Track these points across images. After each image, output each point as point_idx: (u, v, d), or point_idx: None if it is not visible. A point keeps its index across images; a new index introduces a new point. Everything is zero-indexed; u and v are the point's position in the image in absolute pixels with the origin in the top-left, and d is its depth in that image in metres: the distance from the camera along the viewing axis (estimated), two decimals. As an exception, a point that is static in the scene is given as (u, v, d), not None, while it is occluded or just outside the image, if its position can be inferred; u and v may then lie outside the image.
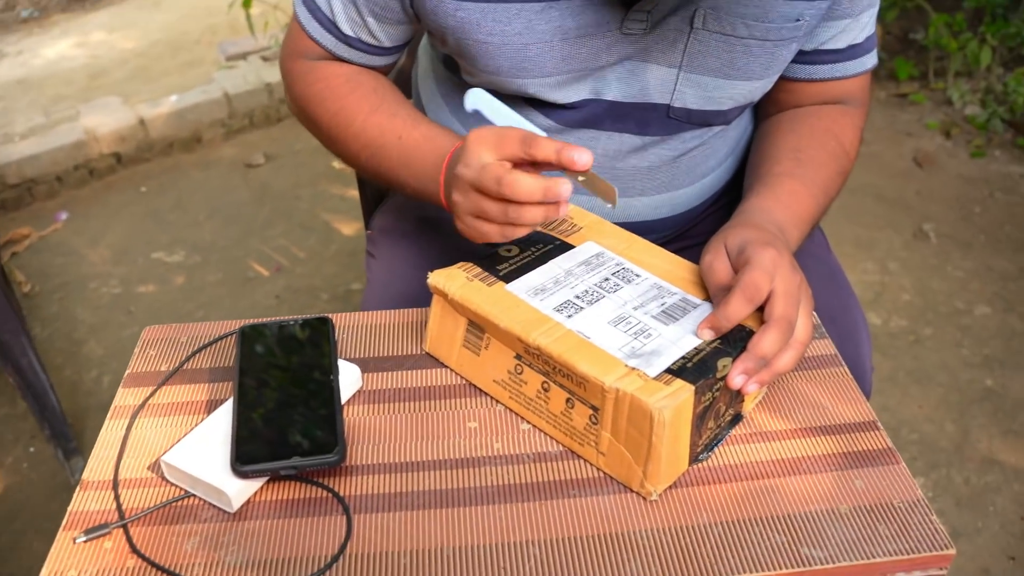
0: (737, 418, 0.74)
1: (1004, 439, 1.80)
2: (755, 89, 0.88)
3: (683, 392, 0.65)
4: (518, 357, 0.72)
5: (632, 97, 0.88)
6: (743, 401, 0.74)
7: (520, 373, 0.73)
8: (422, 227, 1.02)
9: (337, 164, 2.71)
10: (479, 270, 0.77)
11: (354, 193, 2.61)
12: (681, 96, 0.88)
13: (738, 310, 0.69)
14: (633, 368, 0.67)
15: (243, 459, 0.63)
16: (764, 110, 1.00)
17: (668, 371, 0.67)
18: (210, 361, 0.79)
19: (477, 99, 0.76)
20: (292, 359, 0.74)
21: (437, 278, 0.76)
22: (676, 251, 0.89)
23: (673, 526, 0.65)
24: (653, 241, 0.84)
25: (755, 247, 0.72)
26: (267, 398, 0.69)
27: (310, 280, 2.26)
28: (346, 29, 0.89)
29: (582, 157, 0.67)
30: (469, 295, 0.74)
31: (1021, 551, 1.58)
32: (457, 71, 0.93)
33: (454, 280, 0.75)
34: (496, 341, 0.74)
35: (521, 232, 0.72)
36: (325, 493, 0.66)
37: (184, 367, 0.79)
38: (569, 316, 0.72)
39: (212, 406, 0.74)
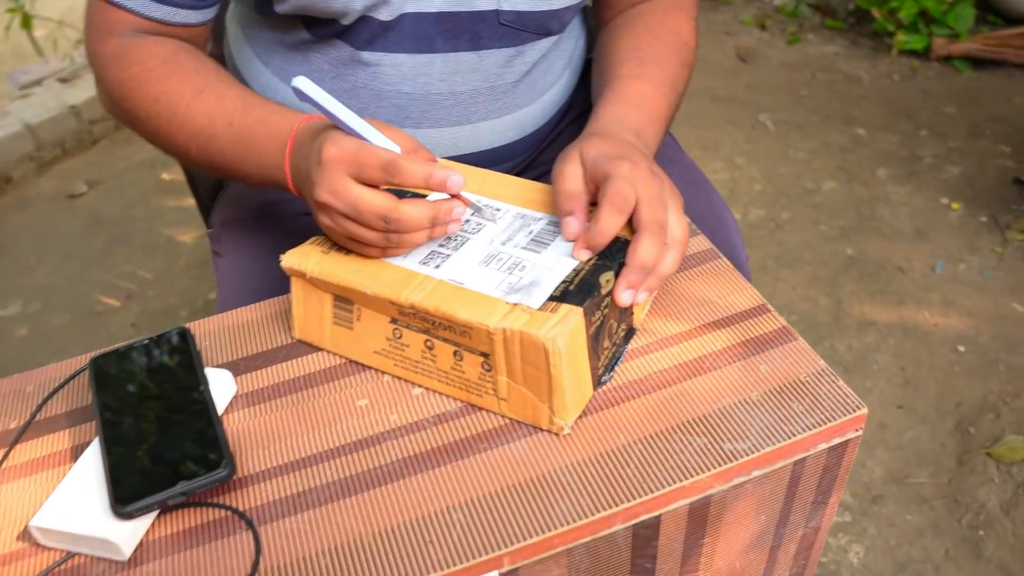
0: (631, 332, 0.72)
1: (873, 300, 1.88)
2: None
3: (572, 316, 0.62)
4: (394, 321, 0.68)
5: (458, 5, 0.83)
6: (633, 313, 0.72)
7: (400, 337, 0.68)
8: (264, 212, 0.96)
9: (167, 175, 2.56)
10: (332, 242, 0.72)
11: (191, 201, 2.46)
12: None
13: (610, 223, 0.66)
14: (515, 304, 0.64)
15: (123, 498, 0.57)
16: (600, 16, 0.98)
17: (551, 299, 0.64)
18: (65, 405, 0.71)
19: (303, 85, 0.68)
20: (155, 380, 0.67)
21: (291, 259, 0.70)
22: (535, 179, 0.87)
23: (593, 455, 0.63)
24: (505, 170, 0.81)
25: (610, 161, 0.69)
26: (136, 428, 0.62)
27: (165, 300, 2.13)
28: None
29: (454, 180, 0.66)
30: (329, 269, 0.69)
31: (906, 398, 1.66)
32: (270, 13, 0.86)
33: (309, 257, 0.70)
34: (368, 310, 0.69)
35: (403, 252, 0.70)
36: (224, 513, 0.60)
37: (37, 418, 0.70)
38: (437, 267, 0.68)
39: (78, 452, 0.66)
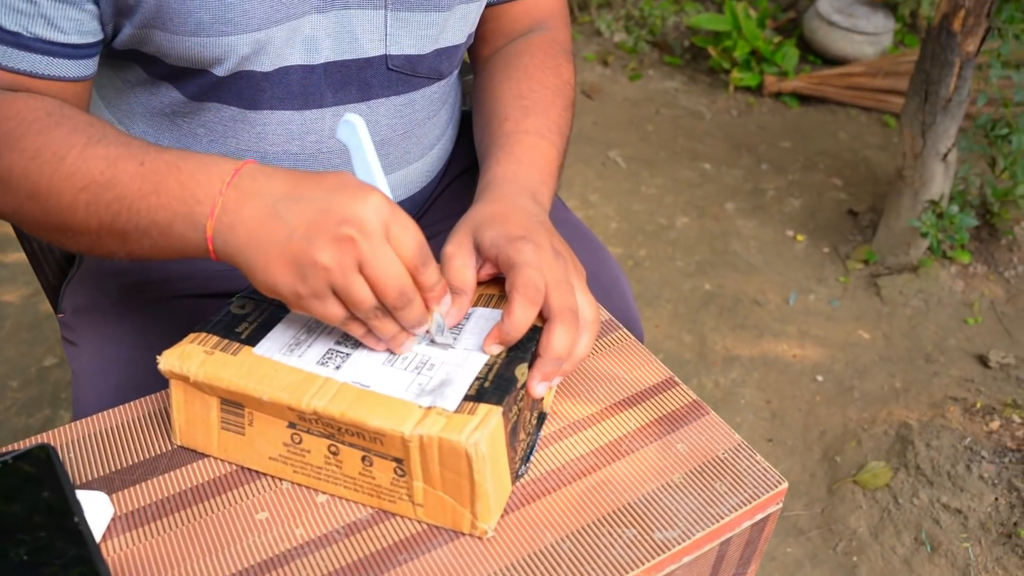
0: (542, 418, 0.69)
1: (735, 335, 1.94)
2: (469, 12, 0.83)
3: (492, 416, 0.58)
4: (292, 425, 0.62)
5: (346, 53, 0.78)
6: (543, 399, 0.69)
7: (299, 443, 0.62)
8: (127, 296, 0.86)
9: (-15, 228, 2.33)
10: (216, 338, 0.65)
11: (14, 257, 2.26)
12: (396, 41, 0.79)
13: (524, 317, 0.63)
14: (429, 407, 0.59)
15: (-14, 673, 0.48)
16: (476, 53, 0.95)
17: (467, 398, 0.60)
18: None
19: (353, 129, 0.63)
20: (13, 512, 0.58)
21: (171, 360, 0.63)
22: None
23: (521, 557, 0.59)
24: None
25: (511, 245, 0.66)
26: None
27: (-10, 369, 1.93)
28: (10, 23, 0.66)
29: (447, 304, 0.64)
30: (215, 372, 0.62)
31: (775, 431, 1.71)
32: (130, 72, 0.77)
33: (191, 359, 0.63)
34: (261, 415, 0.63)
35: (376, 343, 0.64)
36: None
37: None
38: (337, 367, 0.63)
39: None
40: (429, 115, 0.88)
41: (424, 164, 0.91)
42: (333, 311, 0.60)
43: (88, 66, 0.72)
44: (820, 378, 1.83)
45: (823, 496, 1.57)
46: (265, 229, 0.59)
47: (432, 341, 0.65)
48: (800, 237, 2.24)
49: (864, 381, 1.82)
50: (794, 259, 2.17)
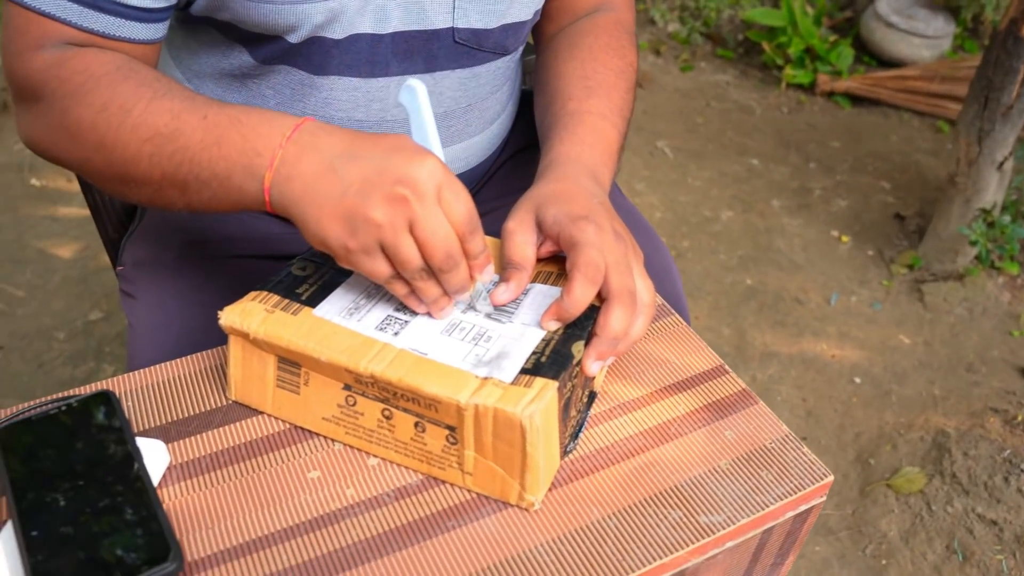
0: (592, 397, 0.69)
1: (774, 331, 1.93)
2: None
3: (547, 391, 0.59)
4: (348, 388, 0.63)
5: (414, 24, 0.79)
6: (594, 378, 0.69)
7: (353, 404, 0.63)
8: (189, 254, 0.88)
9: (36, 181, 2.38)
10: (277, 298, 0.66)
11: (66, 211, 2.30)
12: (464, 14, 0.80)
13: (583, 295, 0.63)
14: (486, 378, 0.60)
15: (50, 603, 0.50)
16: (541, 31, 0.95)
17: (524, 371, 0.61)
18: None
19: (414, 94, 0.65)
20: (77, 453, 0.59)
21: (232, 316, 0.64)
22: None
23: (568, 531, 0.59)
24: None
25: (574, 224, 0.66)
26: (60, 512, 0.55)
27: (38, 320, 1.97)
28: None
29: (490, 273, 0.66)
30: (275, 331, 0.63)
31: (809, 430, 1.70)
32: (203, 31, 0.78)
33: (252, 316, 0.64)
34: (317, 375, 0.64)
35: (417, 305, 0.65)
36: (162, 607, 0.53)
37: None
38: (396, 334, 0.63)
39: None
40: (492, 90, 0.89)
41: (484, 139, 0.92)
42: (380, 268, 0.61)
43: (159, 30, 0.73)
44: (858, 380, 1.81)
45: (855, 497, 1.56)
46: (321, 183, 0.61)
47: (471, 307, 0.66)
48: (845, 238, 2.22)
49: (902, 386, 1.80)
50: (837, 260, 2.15)
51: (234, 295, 0.67)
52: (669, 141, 2.56)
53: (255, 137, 0.63)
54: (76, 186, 2.39)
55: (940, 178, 2.42)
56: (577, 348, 0.63)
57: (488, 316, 0.66)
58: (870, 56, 3.00)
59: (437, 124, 0.85)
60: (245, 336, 0.64)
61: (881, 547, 1.48)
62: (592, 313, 0.66)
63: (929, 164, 2.53)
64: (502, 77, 0.90)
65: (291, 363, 0.64)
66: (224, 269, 0.86)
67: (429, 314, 0.65)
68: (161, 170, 0.66)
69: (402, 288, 0.63)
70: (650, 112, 2.70)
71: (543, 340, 0.64)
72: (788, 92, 2.86)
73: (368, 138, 0.62)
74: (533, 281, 0.70)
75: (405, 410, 0.61)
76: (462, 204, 0.61)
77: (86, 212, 2.32)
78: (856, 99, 2.82)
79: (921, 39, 2.85)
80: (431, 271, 0.62)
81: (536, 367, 0.61)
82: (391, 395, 0.61)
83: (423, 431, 0.61)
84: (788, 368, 1.83)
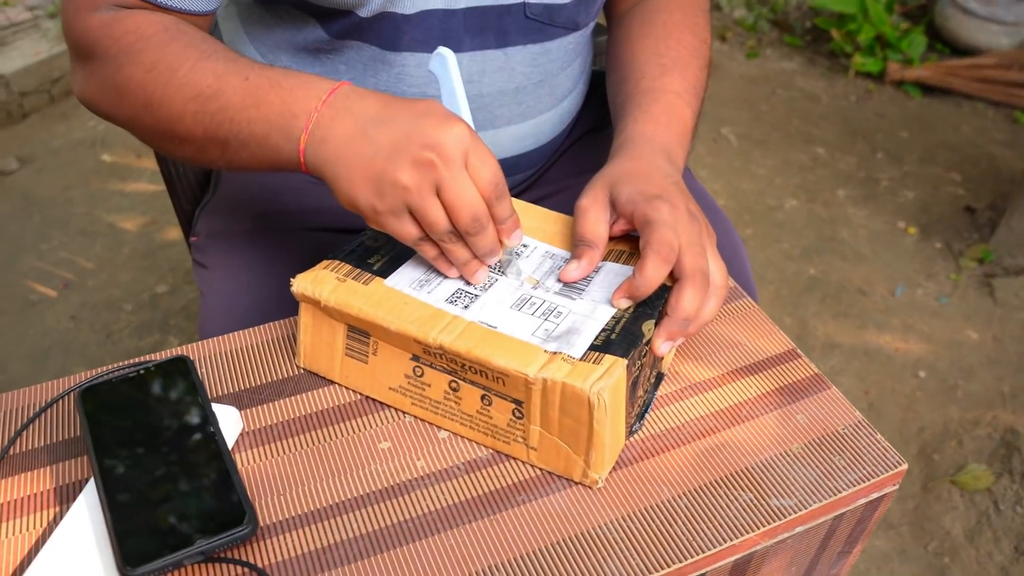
0: (659, 378, 0.69)
1: (836, 322, 1.89)
2: None
3: (616, 368, 0.59)
4: (415, 358, 0.63)
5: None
6: (663, 359, 0.69)
7: (421, 376, 0.63)
8: (262, 225, 0.89)
9: (108, 156, 2.43)
10: (349, 267, 0.66)
11: (136, 187, 2.36)
12: None
13: (656, 274, 0.63)
14: (554, 352, 0.60)
15: (133, 559, 0.51)
16: (614, 8, 0.94)
17: (593, 348, 0.60)
18: (43, 437, 0.64)
19: (444, 62, 0.67)
20: (155, 415, 0.61)
21: (304, 284, 0.65)
22: (538, 201, 0.83)
23: (637, 510, 0.59)
24: (516, 184, 0.76)
25: (648, 203, 0.66)
26: (139, 472, 0.56)
27: (107, 292, 2.02)
28: None
29: (519, 236, 0.66)
30: (346, 299, 0.63)
31: (871, 422, 1.66)
32: (277, 8, 0.79)
33: (324, 284, 0.65)
34: (386, 344, 0.64)
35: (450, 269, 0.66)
36: (240, 571, 0.54)
37: (10, 451, 0.64)
38: (466, 307, 0.64)
39: (64, 496, 0.60)
40: (563, 66, 0.88)
41: (554, 115, 0.91)
42: (408, 229, 0.63)
43: (212, 2, 0.75)
44: (922, 374, 1.77)
45: (917, 493, 1.53)
46: (352, 146, 0.62)
47: (502, 273, 0.67)
48: (912, 230, 2.17)
49: (969, 382, 1.76)
50: (904, 252, 2.11)
51: (305, 267, 0.68)
52: (733, 128, 2.52)
53: (292, 100, 0.64)
54: (145, 162, 2.45)
55: (1014, 170, 2.35)
56: (647, 327, 0.63)
57: (558, 293, 0.66)
58: (943, 44, 2.92)
59: (510, 100, 0.85)
60: (316, 303, 0.64)
61: (944, 545, 1.45)
62: (663, 293, 0.65)
63: (1003, 156, 2.45)
64: (573, 53, 0.89)
65: (360, 332, 0.64)
66: (297, 241, 0.87)
67: (464, 279, 0.66)
68: (203, 128, 0.68)
69: (432, 250, 0.64)
70: (714, 99, 2.67)
71: (613, 318, 0.63)
72: (856, 81, 2.79)
73: (401, 103, 0.63)
74: (605, 259, 0.69)
75: (472, 382, 0.61)
76: (488, 169, 0.61)
77: (154, 187, 2.38)
78: (927, 88, 2.75)
79: (1000, 26, 2.76)
80: (458, 234, 0.63)
81: (606, 344, 0.60)
82: (459, 367, 0.61)
83: (489, 404, 0.61)
84: (850, 360, 1.79)
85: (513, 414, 0.61)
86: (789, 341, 0.73)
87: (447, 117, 0.61)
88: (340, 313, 0.64)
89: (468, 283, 0.66)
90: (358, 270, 0.66)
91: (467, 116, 0.68)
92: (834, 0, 2.87)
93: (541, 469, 0.62)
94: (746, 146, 2.45)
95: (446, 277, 0.67)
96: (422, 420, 0.65)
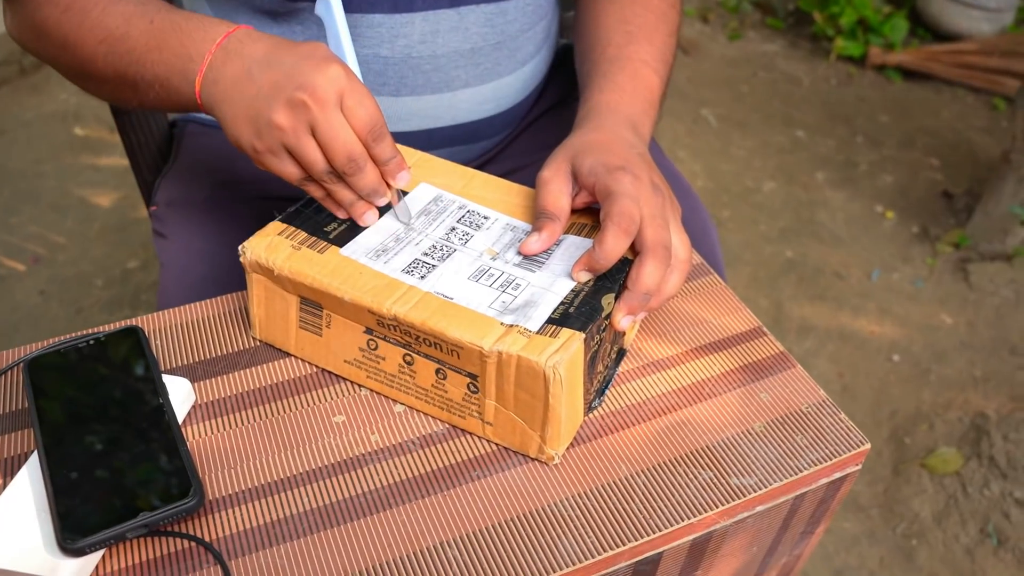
0: (621, 353, 0.68)
1: (812, 305, 1.89)
2: None
3: (573, 342, 0.57)
4: (369, 331, 0.62)
5: None
6: (624, 334, 0.67)
7: (375, 348, 0.62)
8: (220, 194, 0.87)
9: (80, 130, 2.40)
10: (304, 234, 0.65)
11: (108, 161, 2.32)
12: None
13: (616, 246, 0.61)
14: (511, 325, 0.58)
15: (73, 530, 0.49)
16: None
17: (550, 321, 0.59)
18: (-12, 405, 0.63)
19: (328, 6, 0.68)
20: (104, 387, 0.59)
21: (256, 250, 0.63)
22: (503, 175, 0.81)
23: (594, 487, 0.58)
24: (480, 154, 0.75)
25: (610, 174, 0.64)
26: (84, 444, 0.55)
27: (77, 267, 1.99)
28: None
29: (405, 176, 0.66)
30: (300, 267, 0.62)
31: (844, 405, 1.67)
32: None
33: (278, 251, 0.63)
34: (339, 317, 0.63)
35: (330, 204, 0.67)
36: (186, 544, 0.53)
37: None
38: (422, 277, 0.62)
39: (6, 470, 0.58)
40: (523, 28, 0.86)
41: (516, 80, 0.89)
42: (289, 169, 0.64)
43: None
44: (896, 357, 1.78)
45: (887, 476, 1.54)
46: (238, 87, 0.64)
47: (398, 219, 0.68)
48: (889, 214, 2.17)
49: (942, 365, 1.76)
50: (881, 235, 2.11)
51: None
52: (713, 109, 2.51)
53: (190, 43, 0.66)
54: (119, 136, 2.41)
55: (992, 156, 2.35)
56: (607, 301, 0.62)
57: (518, 265, 0.64)
58: (925, 29, 2.92)
59: (466, 61, 0.83)
60: (270, 272, 0.63)
61: (912, 527, 1.45)
62: (625, 266, 0.64)
63: (982, 142, 2.46)
64: (533, 16, 0.87)
65: (314, 304, 0.63)
66: (255, 209, 0.85)
67: (353, 220, 0.67)
68: (114, 69, 0.70)
69: (317, 190, 0.65)
70: (695, 80, 2.65)
71: (572, 291, 0.62)
72: (838, 64, 2.79)
73: (288, 46, 0.64)
74: (567, 232, 0.68)
75: (427, 356, 0.60)
76: (364, 110, 0.62)
77: (126, 162, 2.34)
78: (908, 73, 2.74)
79: (982, 12, 2.76)
80: (339, 175, 0.63)
81: (563, 318, 0.59)
82: (413, 340, 0.60)
83: (444, 378, 0.60)
84: (825, 342, 1.79)
85: (468, 388, 0.60)
86: (755, 318, 0.73)
87: (325, 59, 0.62)
88: (293, 283, 0.62)
89: (426, 253, 0.65)
90: (313, 238, 0.64)
91: (351, 59, 0.69)
92: (817, -17, 2.86)
93: (497, 445, 0.61)
94: (726, 127, 2.44)
95: (403, 246, 0.65)
96: (378, 394, 0.64)
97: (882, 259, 2.04)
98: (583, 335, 0.58)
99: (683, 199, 0.92)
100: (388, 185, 0.66)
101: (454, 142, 0.89)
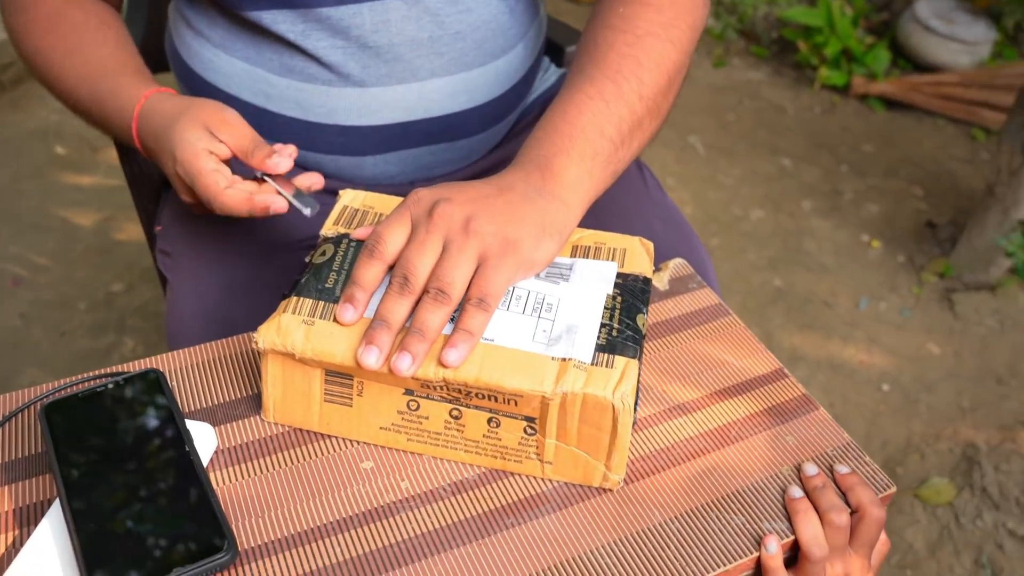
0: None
1: (802, 333, 1.90)
2: None
3: (631, 371, 0.57)
4: (409, 392, 0.59)
5: None
6: None
7: (416, 410, 0.59)
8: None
9: (61, 148, 2.36)
10: (310, 302, 0.60)
11: (91, 181, 2.29)
12: None
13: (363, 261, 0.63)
14: (563, 359, 0.57)
15: (103, 588, 0.48)
16: None
17: (599, 348, 0.58)
18: (0, 454, 0.61)
19: None
20: (127, 434, 0.58)
21: (269, 338, 0.58)
22: None
23: (629, 534, 0.58)
24: (466, 153, 0.84)
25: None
26: (109, 495, 0.53)
27: (59, 289, 1.96)
28: None
29: (275, 162, 0.71)
30: (323, 345, 0.57)
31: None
32: None
33: (291, 333, 0.58)
34: (372, 383, 0.59)
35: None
36: (211, 595, 0.52)
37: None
38: (452, 319, 0.59)
39: (26, 519, 0.56)
40: (485, 19, 0.86)
41: (488, 73, 0.88)
42: (186, 199, 0.75)
43: None
44: (886, 387, 1.79)
45: (882, 507, 1.54)
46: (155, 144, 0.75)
47: (301, 206, 0.73)
48: (875, 243, 2.19)
49: (931, 395, 1.78)
50: (867, 264, 2.12)
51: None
52: (700, 137, 2.53)
53: (119, 117, 0.77)
54: (102, 156, 2.38)
55: (973, 187, 2.38)
56: (641, 321, 0.62)
57: (538, 279, 0.63)
58: (906, 60, 2.96)
59: (427, 50, 0.84)
60: (290, 356, 0.58)
61: (907, 557, 1.46)
62: (647, 285, 0.65)
63: (963, 172, 2.49)
64: (496, 8, 0.87)
65: (341, 375, 0.59)
66: (262, 222, 0.85)
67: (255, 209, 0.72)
68: (81, 113, 0.82)
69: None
70: (681, 107, 2.67)
71: (606, 309, 0.61)
72: (822, 93, 2.82)
73: (165, 126, 0.74)
74: (573, 256, 0.67)
75: (477, 407, 0.58)
76: (231, 136, 0.71)
77: (111, 182, 2.31)
78: (890, 103, 2.78)
79: (960, 44, 2.81)
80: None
81: (611, 345, 0.59)
82: (462, 395, 0.58)
83: (497, 426, 0.59)
84: (815, 372, 1.80)
85: (525, 431, 0.59)
86: (775, 360, 0.73)
87: (179, 141, 0.71)
88: (319, 362, 0.59)
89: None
90: (321, 303, 0.60)
91: None
92: (801, 12, 2.89)
93: (533, 490, 0.60)
94: (713, 155, 2.46)
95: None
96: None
97: (869, 288, 2.05)
98: (638, 363, 0.58)
99: (681, 233, 0.92)
100: (281, 187, 0.72)
101: (432, 139, 0.88)
